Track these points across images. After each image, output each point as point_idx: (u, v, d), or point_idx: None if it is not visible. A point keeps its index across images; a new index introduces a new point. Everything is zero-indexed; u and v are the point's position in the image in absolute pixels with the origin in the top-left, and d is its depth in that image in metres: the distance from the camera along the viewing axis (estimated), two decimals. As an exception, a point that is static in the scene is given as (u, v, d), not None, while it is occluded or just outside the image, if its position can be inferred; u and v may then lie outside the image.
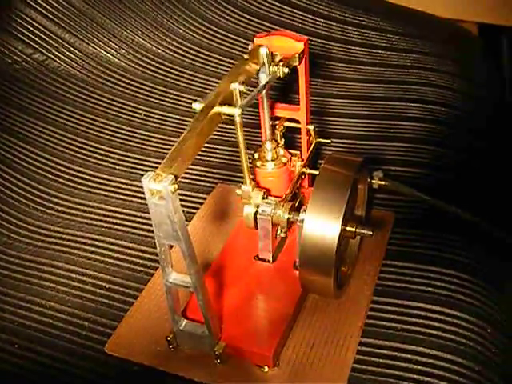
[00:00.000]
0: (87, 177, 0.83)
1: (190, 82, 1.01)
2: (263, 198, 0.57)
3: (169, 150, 0.84)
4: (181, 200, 0.44)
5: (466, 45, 1.11)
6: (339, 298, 0.59)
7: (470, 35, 1.17)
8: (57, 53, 1.05)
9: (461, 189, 0.74)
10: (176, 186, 0.43)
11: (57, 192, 0.81)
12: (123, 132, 0.91)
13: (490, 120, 0.91)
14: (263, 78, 0.56)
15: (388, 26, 1.09)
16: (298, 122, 0.64)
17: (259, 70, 0.56)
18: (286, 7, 1.14)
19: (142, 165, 0.84)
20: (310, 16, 1.12)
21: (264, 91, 0.58)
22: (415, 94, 0.92)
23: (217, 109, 0.49)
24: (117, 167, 0.84)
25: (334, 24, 1.10)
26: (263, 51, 0.55)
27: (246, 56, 0.55)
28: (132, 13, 1.09)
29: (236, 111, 0.50)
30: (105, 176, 0.83)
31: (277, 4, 1.15)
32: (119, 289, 0.66)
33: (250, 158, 0.61)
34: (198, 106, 0.49)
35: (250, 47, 0.56)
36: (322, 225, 0.52)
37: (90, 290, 0.66)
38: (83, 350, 0.60)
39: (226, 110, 0.50)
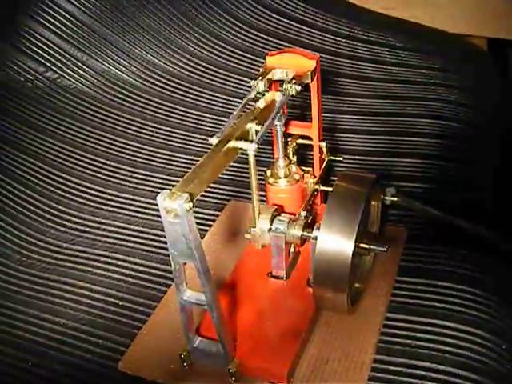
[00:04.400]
0: (100, 194, 0.83)
1: (201, 99, 1.02)
2: (272, 219, 0.58)
3: (180, 167, 0.86)
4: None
5: (475, 60, 1.11)
6: (353, 315, 0.59)
7: (479, 50, 1.17)
8: (68, 71, 1.05)
9: (472, 204, 0.74)
10: (191, 204, 0.43)
11: (69, 209, 0.81)
12: (135, 149, 0.92)
13: (501, 134, 0.91)
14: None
15: (397, 41, 1.09)
16: (310, 138, 0.65)
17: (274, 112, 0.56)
18: (296, 24, 1.15)
19: (154, 182, 0.84)
20: (319, 33, 1.13)
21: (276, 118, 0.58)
22: (426, 109, 0.92)
23: (232, 144, 0.50)
24: (129, 184, 0.85)
25: (344, 40, 1.11)
26: (278, 98, 0.55)
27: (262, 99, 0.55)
28: (143, 31, 1.10)
29: (251, 146, 0.50)
30: (117, 193, 0.83)
31: (287, 21, 1.15)
32: (132, 306, 0.66)
33: (262, 175, 0.61)
34: (213, 141, 0.50)
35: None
36: (335, 242, 0.52)
37: (103, 308, 0.66)
38: (96, 368, 0.60)
39: (241, 144, 0.50)
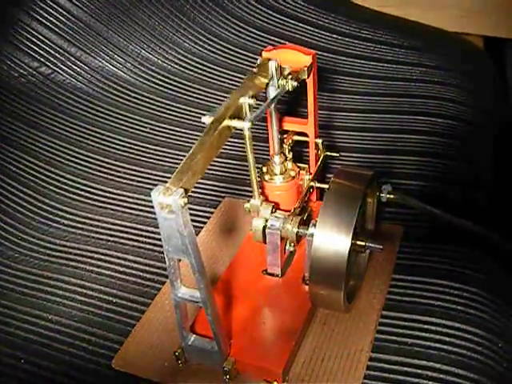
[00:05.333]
0: (93, 190, 0.83)
1: (195, 95, 1.01)
2: (272, 212, 0.57)
3: (175, 163, 0.85)
4: (189, 214, 0.44)
5: (471, 58, 1.11)
6: (348, 312, 0.59)
7: (475, 48, 1.17)
8: (63, 66, 1.05)
9: (469, 201, 0.74)
10: (186, 199, 0.42)
11: (63, 206, 0.81)
12: (129, 146, 0.91)
13: (497, 132, 0.91)
14: (272, 92, 0.56)
15: (394, 39, 1.09)
16: (306, 135, 0.64)
17: (268, 83, 0.56)
18: (292, 21, 1.14)
19: (148, 178, 0.84)
20: (316, 30, 1.12)
21: (273, 105, 0.58)
22: (422, 107, 0.92)
23: (226, 122, 0.49)
24: (123, 181, 0.84)
25: (340, 38, 1.10)
26: (272, 64, 0.55)
27: (254, 70, 0.54)
28: (138, 27, 1.10)
29: (245, 124, 0.49)
30: (111, 190, 0.83)
31: (283, 18, 1.15)
32: (126, 303, 0.66)
33: (258, 172, 0.61)
34: (207, 120, 0.49)
35: (258, 61, 0.56)
36: (332, 239, 0.51)
37: (96, 305, 0.66)
38: (90, 365, 0.59)
39: (235, 123, 0.49)
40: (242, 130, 0.50)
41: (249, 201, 0.57)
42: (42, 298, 0.67)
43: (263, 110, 0.52)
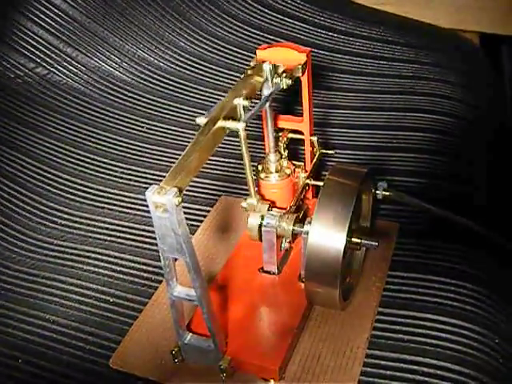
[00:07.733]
0: (90, 190, 0.83)
1: (192, 95, 1.01)
2: (268, 210, 0.57)
3: (171, 162, 0.85)
4: (184, 213, 0.44)
5: (467, 54, 1.11)
6: (345, 310, 0.59)
7: (471, 45, 1.17)
8: (59, 67, 1.05)
9: (465, 198, 0.74)
10: (180, 198, 0.42)
11: (60, 206, 0.81)
12: (126, 145, 0.91)
13: (493, 129, 0.91)
14: (266, 91, 0.56)
15: (390, 36, 1.09)
16: (301, 133, 0.64)
17: (263, 84, 0.56)
18: (287, 19, 1.14)
19: (144, 178, 0.84)
20: (311, 28, 1.12)
21: (267, 104, 0.58)
22: (418, 104, 0.92)
23: (220, 123, 0.49)
24: (120, 180, 0.84)
25: (336, 35, 1.10)
26: (266, 66, 0.55)
27: (249, 71, 0.54)
28: (134, 26, 1.10)
29: (240, 125, 0.49)
30: (108, 189, 0.83)
31: (278, 16, 1.15)
32: (123, 302, 0.66)
33: (253, 170, 0.61)
34: (201, 121, 0.49)
35: (252, 63, 0.56)
36: (327, 236, 0.51)
37: (93, 304, 0.66)
38: (87, 365, 0.60)
39: (229, 124, 0.49)
40: (236, 130, 0.50)
41: (245, 199, 0.57)
42: (39, 298, 0.67)
43: (257, 110, 0.52)
